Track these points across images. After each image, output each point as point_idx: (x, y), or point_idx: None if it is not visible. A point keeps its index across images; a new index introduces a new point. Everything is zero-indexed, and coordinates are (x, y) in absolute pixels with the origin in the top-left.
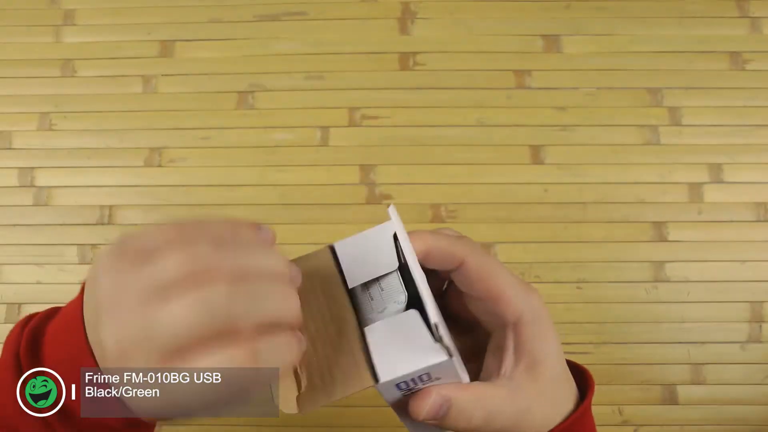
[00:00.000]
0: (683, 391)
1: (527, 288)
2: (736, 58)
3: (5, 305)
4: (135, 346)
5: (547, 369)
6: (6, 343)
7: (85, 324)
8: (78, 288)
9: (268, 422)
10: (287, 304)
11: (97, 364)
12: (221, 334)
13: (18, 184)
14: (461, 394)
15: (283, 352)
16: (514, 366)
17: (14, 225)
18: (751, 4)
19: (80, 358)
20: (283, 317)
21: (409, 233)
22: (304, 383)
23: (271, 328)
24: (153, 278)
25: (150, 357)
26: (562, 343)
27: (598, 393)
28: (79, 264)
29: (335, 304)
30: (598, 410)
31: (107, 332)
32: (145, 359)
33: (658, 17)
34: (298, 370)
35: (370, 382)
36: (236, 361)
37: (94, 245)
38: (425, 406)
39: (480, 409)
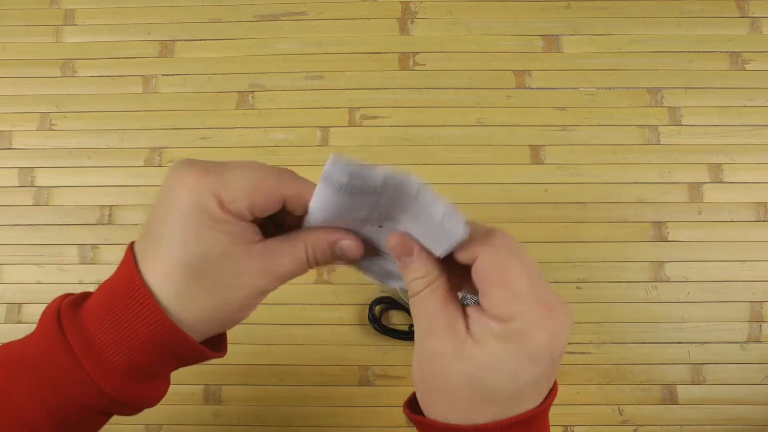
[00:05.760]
0: (683, 391)
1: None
2: (736, 58)
3: (5, 305)
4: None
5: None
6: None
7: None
8: (78, 288)
9: (271, 422)
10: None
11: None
12: None
13: (18, 184)
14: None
15: None
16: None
17: (14, 225)
18: (751, 4)
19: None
20: None
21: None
22: None
23: None
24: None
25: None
26: None
27: (599, 393)
28: (79, 264)
29: None
30: (599, 410)
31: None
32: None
33: (658, 17)
34: None
35: None
36: None
37: (94, 245)
38: (393, 240)
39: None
